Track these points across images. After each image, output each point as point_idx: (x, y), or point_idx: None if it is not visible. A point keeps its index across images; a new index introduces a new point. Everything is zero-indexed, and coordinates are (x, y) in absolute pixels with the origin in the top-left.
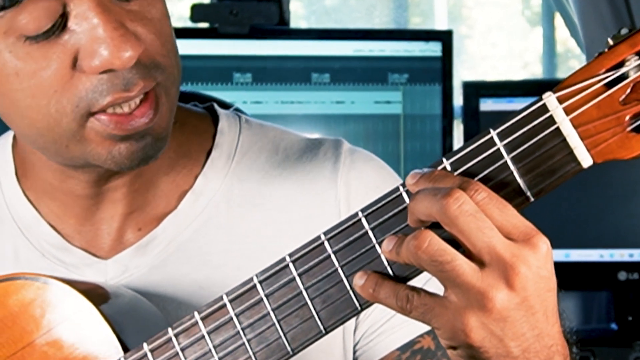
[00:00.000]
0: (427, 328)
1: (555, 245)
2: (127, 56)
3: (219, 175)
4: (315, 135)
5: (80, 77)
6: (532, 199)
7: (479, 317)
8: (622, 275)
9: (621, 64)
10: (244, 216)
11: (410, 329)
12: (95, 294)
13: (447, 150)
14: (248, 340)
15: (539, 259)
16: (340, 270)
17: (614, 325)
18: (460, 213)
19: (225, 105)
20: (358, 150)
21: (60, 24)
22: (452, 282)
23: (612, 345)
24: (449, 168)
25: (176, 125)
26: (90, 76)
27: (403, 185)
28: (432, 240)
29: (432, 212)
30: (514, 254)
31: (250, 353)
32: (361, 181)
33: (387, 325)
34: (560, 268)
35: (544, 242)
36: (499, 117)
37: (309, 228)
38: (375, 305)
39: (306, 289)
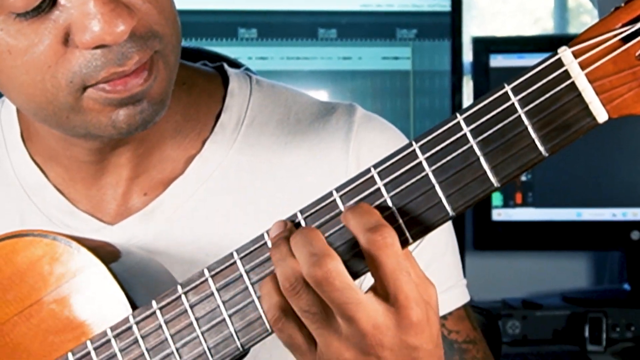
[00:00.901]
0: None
1: (566, 204)
2: (119, 31)
3: (228, 140)
4: (327, 97)
5: (74, 52)
6: (546, 155)
7: None
8: (635, 235)
9: (638, 19)
10: (252, 183)
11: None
12: (104, 252)
13: (457, 107)
14: (258, 298)
15: (404, 329)
16: None
17: (626, 286)
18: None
19: (236, 65)
20: (373, 118)
21: (50, 0)
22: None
23: (625, 306)
24: (462, 123)
25: (184, 86)
26: (84, 51)
27: (416, 141)
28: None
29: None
30: (376, 326)
31: (260, 311)
32: (373, 153)
33: None
34: (572, 227)
35: (416, 312)
36: (510, 74)
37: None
38: None
39: None
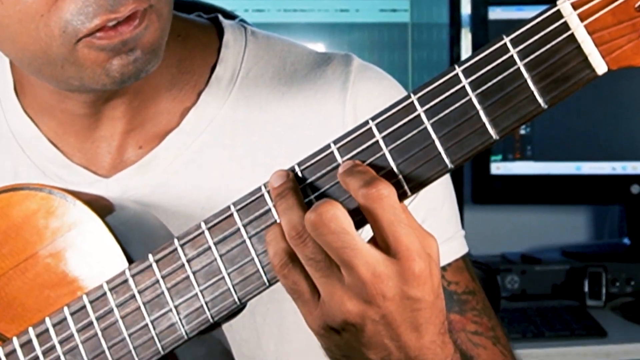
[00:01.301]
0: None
1: (566, 157)
2: None
3: (223, 91)
4: (324, 49)
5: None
6: (545, 107)
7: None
8: (635, 189)
9: None
10: (248, 135)
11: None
12: (100, 205)
13: (455, 60)
14: (256, 252)
15: (406, 281)
16: None
17: (626, 240)
18: (327, 232)
19: (231, 17)
20: (369, 68)
21: None
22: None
23: (625, 260)
24: (461, 75)
25: (179, 38)
26: None
27: (414, 93)
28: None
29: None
30: (375, 274)
31: (259, 266)
32: (370, 103)
33: None
34: (571, 181)
35: (418, 264)
36: (508, 26)
37: (315, 149)
38: None
39: (316, 199)
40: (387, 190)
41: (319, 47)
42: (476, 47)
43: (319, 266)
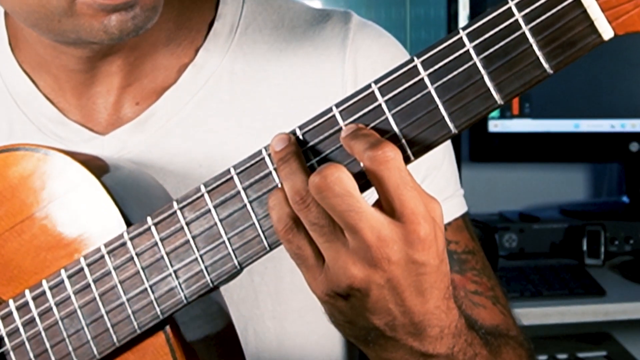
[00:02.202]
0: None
1: (564, 115)
2: None
3: (221, 48)
4: (321, 6)
5: None
6: (550, 72)
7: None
8: (634, 147)
9: None
10: (247, 92)
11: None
12: (96, 166)
13: (453, 17)
14: (257, 216)
15: (411, 245)
16: None
17: (625, 198)
18: (331, 195)
19: None
20: (368, 25)
21: None
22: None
23: (624, 219)
24: (465, 39)
25: None
26: None
27: (418, 56)
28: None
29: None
30: (380, 238)
31: (260, 231)
32: (369, 60)
33: None
34: (570, 139)
35: (424, 228)
36: None
37: (313, 107)
38: None
39: (318, 163)
40: (393, 153)
41: (316, 4)
42: (474, 4)
43: (323, 231)
